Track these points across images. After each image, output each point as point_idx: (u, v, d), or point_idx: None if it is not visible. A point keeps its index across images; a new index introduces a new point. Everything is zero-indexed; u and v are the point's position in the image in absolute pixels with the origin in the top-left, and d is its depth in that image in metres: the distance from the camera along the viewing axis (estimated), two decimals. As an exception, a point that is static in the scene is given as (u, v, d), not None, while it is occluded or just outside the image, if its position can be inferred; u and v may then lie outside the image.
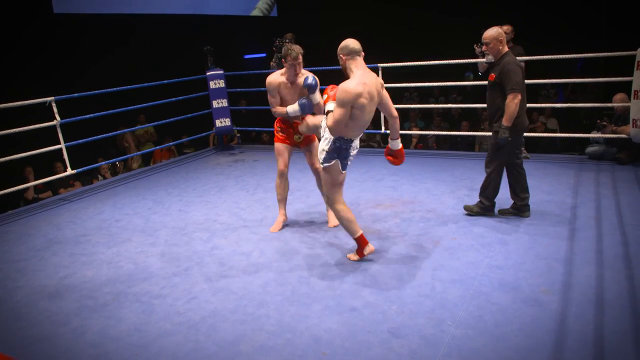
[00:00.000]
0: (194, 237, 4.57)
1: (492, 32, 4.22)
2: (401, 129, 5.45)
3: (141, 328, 3.15)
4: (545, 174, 5.61)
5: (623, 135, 5.76)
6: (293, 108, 4.16)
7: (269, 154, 7.08)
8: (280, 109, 4.31)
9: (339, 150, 3.62)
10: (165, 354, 2.87)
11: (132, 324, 3.21)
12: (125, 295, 3.60)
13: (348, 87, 3.42)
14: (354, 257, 3.85)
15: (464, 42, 6.45)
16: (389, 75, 6.94)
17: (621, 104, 5.89)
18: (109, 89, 6.68)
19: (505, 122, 4.10)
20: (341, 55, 3.58)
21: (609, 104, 6.07)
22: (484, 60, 6.21)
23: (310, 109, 4.10)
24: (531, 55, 6.05)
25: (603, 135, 5.95)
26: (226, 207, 5.31)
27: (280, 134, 4.50)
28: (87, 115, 6.40)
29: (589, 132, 6.26)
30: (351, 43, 3.56)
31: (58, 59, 8.38)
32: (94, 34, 8.77)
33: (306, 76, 4.06)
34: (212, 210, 5.26)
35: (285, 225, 4.65)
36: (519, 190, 4.44)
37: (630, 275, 3.33)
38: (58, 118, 5.95)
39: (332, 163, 3.64)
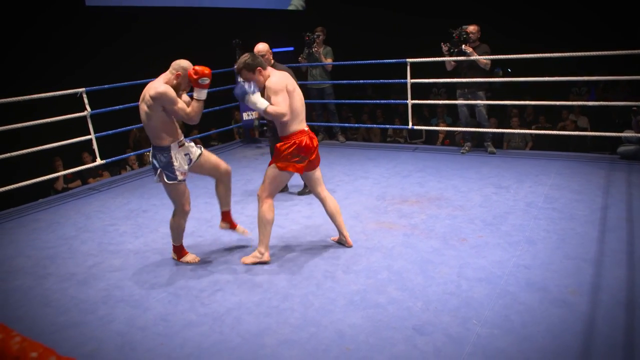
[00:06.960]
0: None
1: (260, 47, 5.00)
2: (428, 125, 5.48)
3: (167, 318, 3.19)
4: (575, 173, 5.50)
5: (658, 135, 5.61)
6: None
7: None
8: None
9: None
10: (190, 345, 2.91)
11: (158, 313, 3.26)
12: (151, 285, 3.65)
13: None
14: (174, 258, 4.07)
15: (492, 38, 6.37)
16: (416, 70, 6.88)
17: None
18: (138, 81, 6.75)
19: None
20: None
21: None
22: (451, 59, 6.35)
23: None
24: (563, 52, 5.95)
25: (636, 135, 5.81)
26: (252, 200, 5.31)
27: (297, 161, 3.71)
28: (117, 107, 6.49)
29: (621, 131, 6.11)
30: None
31: (90, 51, 8.49)
32: (125, 27, 8.86)
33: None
34: (238, 203, 5.27)
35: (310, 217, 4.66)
36: None
37: (663, 279, 3.25)
38: (88, 109, 6.04)
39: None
